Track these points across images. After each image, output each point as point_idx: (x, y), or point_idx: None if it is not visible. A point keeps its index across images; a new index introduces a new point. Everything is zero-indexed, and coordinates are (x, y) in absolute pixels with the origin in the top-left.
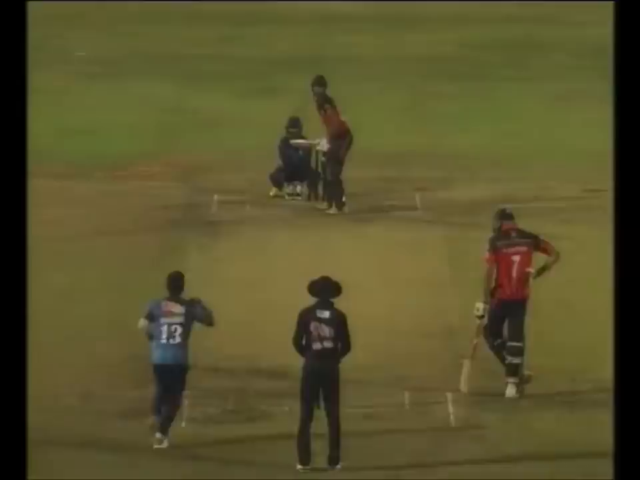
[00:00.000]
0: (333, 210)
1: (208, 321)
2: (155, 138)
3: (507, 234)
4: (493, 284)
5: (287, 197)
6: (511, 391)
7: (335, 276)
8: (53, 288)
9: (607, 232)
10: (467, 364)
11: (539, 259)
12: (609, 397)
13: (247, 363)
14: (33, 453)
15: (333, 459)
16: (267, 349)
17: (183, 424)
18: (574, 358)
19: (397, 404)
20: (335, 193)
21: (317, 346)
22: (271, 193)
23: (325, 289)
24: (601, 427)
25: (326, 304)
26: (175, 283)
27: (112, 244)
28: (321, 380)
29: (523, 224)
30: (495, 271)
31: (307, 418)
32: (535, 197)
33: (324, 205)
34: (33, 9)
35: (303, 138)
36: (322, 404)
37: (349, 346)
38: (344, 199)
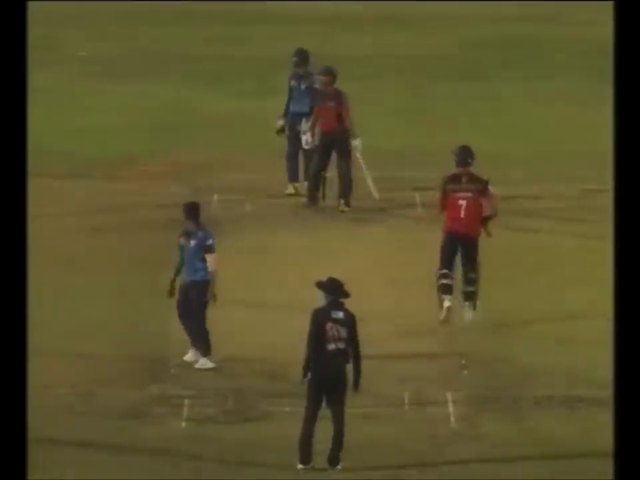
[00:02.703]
0: (343, 207)
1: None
2: (155, 138)
3: (458, 178)
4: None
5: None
6: (468, 314)
7: (335, 276)
8: (53, 288)
9: (607, 232)
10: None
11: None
12: (609, 397)
13: (247, 363)
14: (33, 453)
15: (334, 460)
16: (266, 349)
17: (183, 424)
18: (574, 358)
19: (397, 404)
20: (348, 189)
21: (331, 347)
22: (287, 191)
23: (337, 290)
24: (600, 427)
25: (338, 304)
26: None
27: (112, 244)
28: (331, 381)
29: (523, 224)
30: (445, 208)
31: (311, 418)
32: (535, 196)
33: (321, 202)
34: (32, 9)
35: (307, 72)
36: (327, 404)
37: (359, 349)
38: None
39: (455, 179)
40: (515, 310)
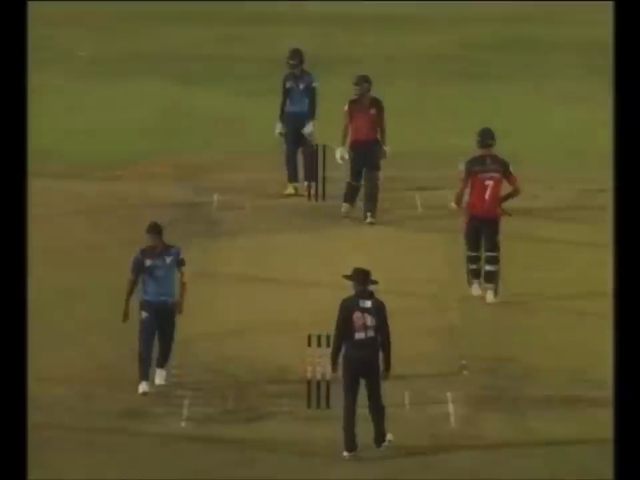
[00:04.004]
0: (370, 219)
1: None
2: (155, 138)
3: (483, 160)
4: (464, 203)
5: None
6: (490, 296)
7: (335, 276)
8: (53, 288)
9: (607, 232)
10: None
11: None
12: (608, 397)
13: (247, 363)
14: (33, 453)
15: (379, 439)
16: (266, 349)
17: (183, 424)
18: (574, 358)
19: (397, 404)
20: (376, 201)
21: (360, 335)
22: (286, 192)
23: (364, 279)
24: (601, 427)
25: (366, 293)
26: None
27: (112, 244)
28: (364, 369)
29: (523, 223)
30: (468, 192)
31: (351, 405)
32: (535, 196)
33: (345, 213)
34: (33, 9)
35: (304, 72)
36: (365, 389)
37: (389, 337)
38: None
39: (479, 160)
40: (515, 310)
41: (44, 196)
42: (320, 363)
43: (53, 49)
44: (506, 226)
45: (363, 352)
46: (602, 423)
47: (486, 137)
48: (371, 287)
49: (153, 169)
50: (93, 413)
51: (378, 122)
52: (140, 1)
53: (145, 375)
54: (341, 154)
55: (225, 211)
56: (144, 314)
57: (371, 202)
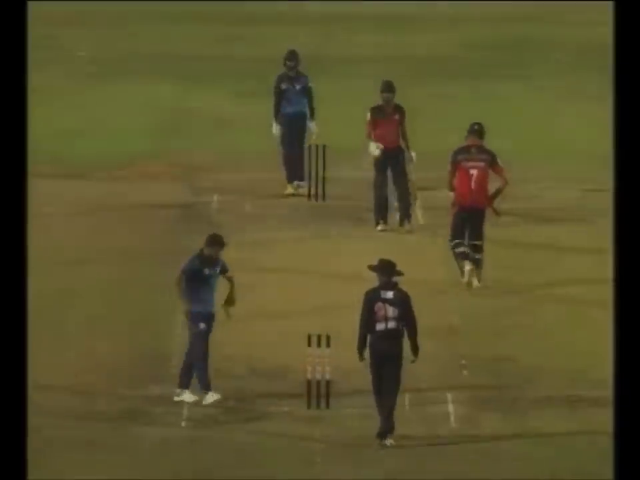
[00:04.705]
0: (408, 226)
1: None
2: (155, 138)
3: (468, 149)
4: (453, 192)
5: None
6: (474, 282)
7: (335, 276)
8: (53, 288)
9: (607, 232)
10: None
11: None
12: (608, 397)
13: (247, 363)
14: (33, 453)
15: (383, 434)
16: (266, 349)
17: (183, 424)
18: (574, 358)
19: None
20: (410, 208)
21: (380, 326)
22: (286, 192)
23: (387, 270)
24: (601, 427)
25: (389, 284)
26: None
27: (111, 244)
28: (385, 359)
29: (523, 223)
30: (455, 181)
31: (377, 392)
32: (535, 196)
33: (378, 224)
34: (33, 9)
35: (299, 74)
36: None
37: (415, 326)
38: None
39: (464, 150)
40: (515, 309)
41: (44, 196)
42: (320, 363)
43: (53, 49)
44: (506, 226)
45: (383, 343)
46: (602, 422)
47: (473, 129)
48: (396, 279)
49: (153, 169)
50: (93, 413)
51: (401, 128)
52: (140, 0)
53: (187, 384)
54: (375, 146)
55: (224, 211)
56: (202, 325)
57: (406, 209)
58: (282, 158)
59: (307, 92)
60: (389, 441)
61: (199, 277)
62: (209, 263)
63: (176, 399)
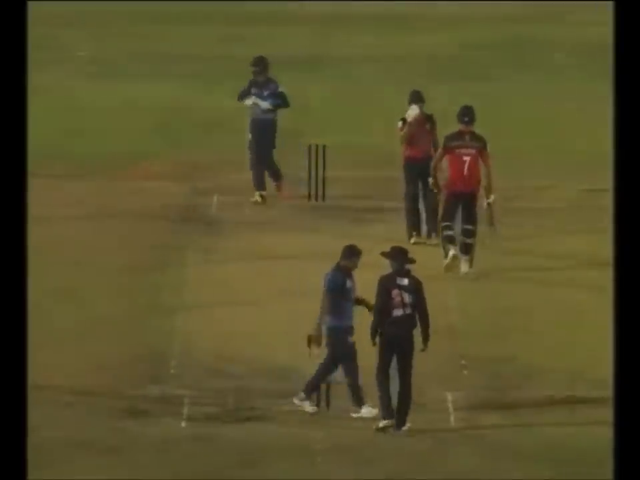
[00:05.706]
0: (436, 239)
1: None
2: (155, 138)
3: (462, 135)
4: (444, 180)
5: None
6: (464, 267)
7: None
8: (53, 288)
9: (607, 232)
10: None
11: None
12: (608, 397)
13: (247, 363)
14: (33, 453)
15: (400, 422)
16: (266, 349)
17: (183, 424)
18: (574, 358)
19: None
20: (436, 222)
21: (397, 312)
22: (253, 199)
23: (401, 257)
24: (600, 427)
25: (403, 271)
26: None
27: (111, 244)
28: (399, 345)
29: (523, 223)
30: (445, 165)
31: (384, 378)
32: (535, 196)
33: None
34: (33, 9)
35: (269, 80)
36: (397, 365)
37: (427, 313)
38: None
39: (458, 136)
40: (514, 309)
41: (44, 196)
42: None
43: (53, 49)
44: (506, 227)
45: (399, 329)
46: (602, 423)
47: (465, 113)
48: (408, 266)
49: (153, 169)
50: (93, 413)
51: (433, 137)
52: (140, 0)
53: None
54: (410, 112)
55: (224, 211)
56: (350, 340)
57: (434, 222)
58: (249, 163)
59: (277, 97)
60: (404, 429)
61: (343, 290)
62: (349, 275)
63: (354, 415)
